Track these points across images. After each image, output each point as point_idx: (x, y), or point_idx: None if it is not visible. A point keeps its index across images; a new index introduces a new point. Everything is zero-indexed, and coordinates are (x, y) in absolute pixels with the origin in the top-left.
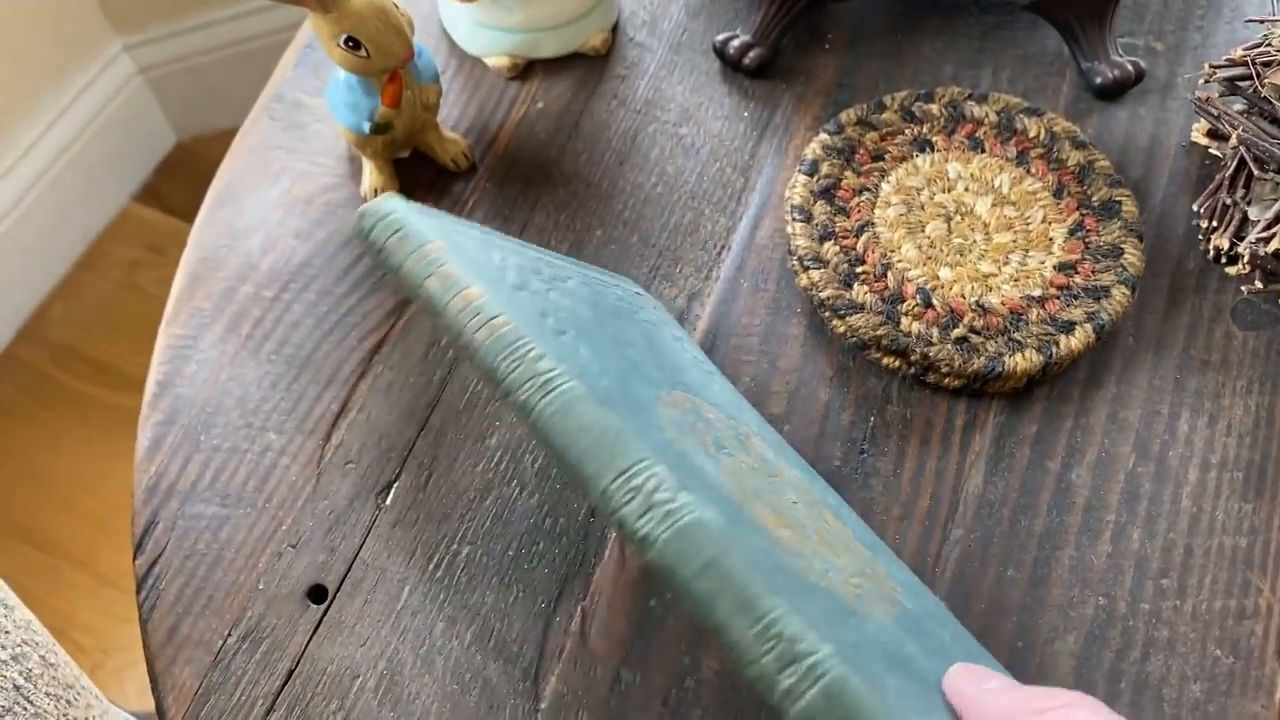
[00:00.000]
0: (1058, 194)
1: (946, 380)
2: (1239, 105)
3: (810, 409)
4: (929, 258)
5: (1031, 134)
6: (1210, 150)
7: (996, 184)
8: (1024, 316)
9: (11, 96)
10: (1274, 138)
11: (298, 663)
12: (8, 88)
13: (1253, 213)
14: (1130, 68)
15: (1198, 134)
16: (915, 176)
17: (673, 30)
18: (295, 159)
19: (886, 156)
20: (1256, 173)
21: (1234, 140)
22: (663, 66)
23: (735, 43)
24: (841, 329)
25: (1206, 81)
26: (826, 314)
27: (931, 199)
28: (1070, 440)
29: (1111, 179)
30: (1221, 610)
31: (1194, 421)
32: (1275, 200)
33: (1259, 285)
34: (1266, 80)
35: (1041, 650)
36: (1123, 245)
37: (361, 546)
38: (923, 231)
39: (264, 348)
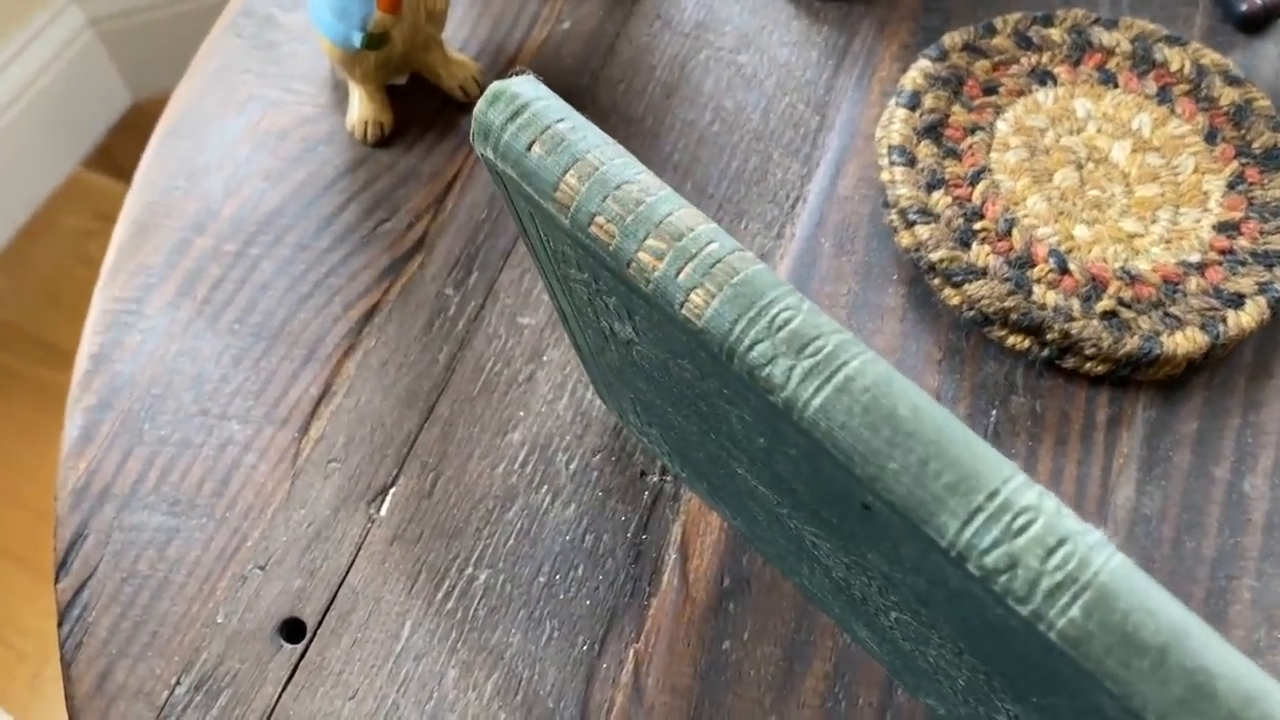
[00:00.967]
0: (1210, 139)
1: (1088, 365)
2: None
3: None
4: (1060, 213)
5: (1174, 67)
6: None
7: (1135, 126)
8: (1180, 287)
9: None
10: None
11: None
12: None
13: None
14: None
15: None
16: (1037, 115)
17: None
18: (266, 85)
19: (1000, 90)
20: None
21: None
22: None
23: None
24: (956, 300)
25: None
26: (937, 281)
27: (1057, 142)
28: (1240, 441)
29: (1275, 121)
30: None
31: None
32: None
33: None
34: None
35: None
36: None
37: (349, 569)
38: (1050, 181)
39: (225, 315)
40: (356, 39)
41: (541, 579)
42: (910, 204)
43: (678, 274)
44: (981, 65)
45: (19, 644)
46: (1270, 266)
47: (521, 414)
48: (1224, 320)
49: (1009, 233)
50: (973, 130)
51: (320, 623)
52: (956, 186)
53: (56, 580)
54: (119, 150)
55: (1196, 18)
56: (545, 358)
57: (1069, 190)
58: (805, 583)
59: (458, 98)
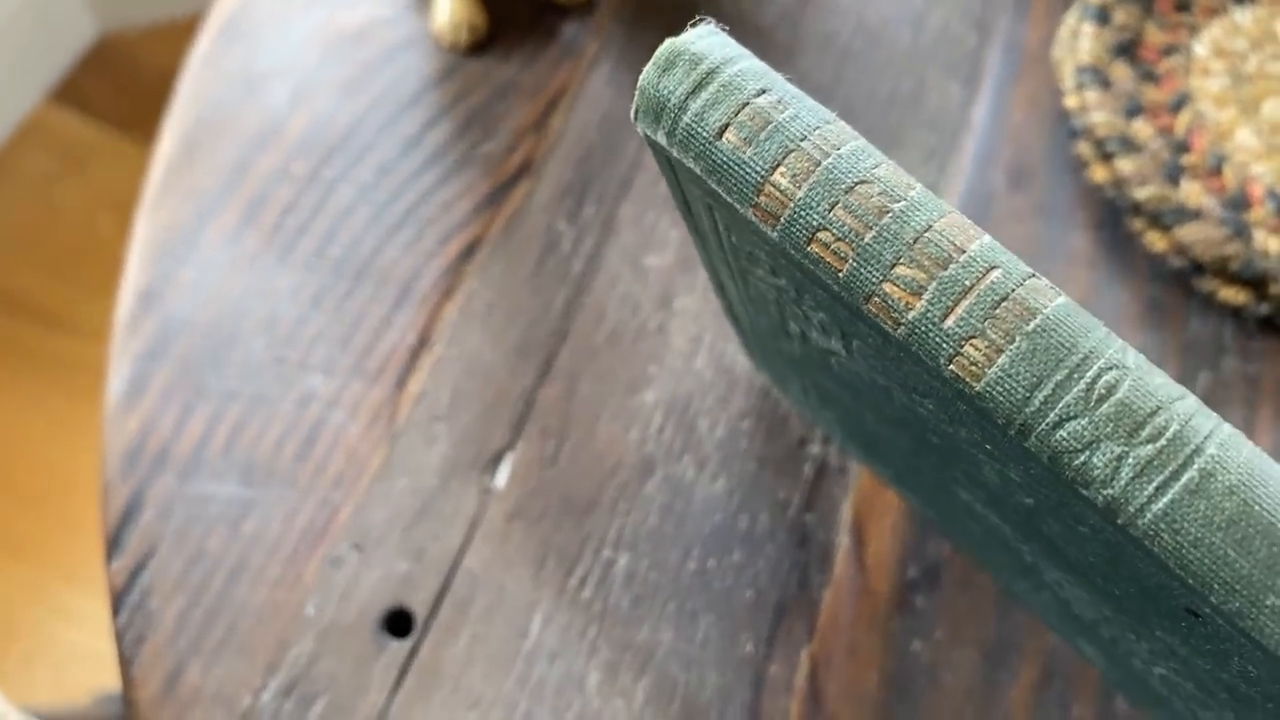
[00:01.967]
0: None
1: None
2: None
3: None
4: (1272, 148)
5: None
6: None
7: None
8: None
9: None
10: None
11: None
12: None
13: None
14: None
15: None
16: (1236, 37)
17: None
18: None
19: (1194, 7)
20: None
21: None
22: None
23: None
24: (1162, 245)
25: None
26: (1139, 223)
27: (1261, 69)
28: None
29: None
30: None
31: None
32: None
33: None
34: None
35: None
36: None
37: (464, 550)
38: (1258, 112)
39: (299, 247)
40: None
41: (691, 565)
42: (1109, 133)
43: (945, 317)
44: None
45: None
46: None
47: (654, 370)
48: None
49: (1219, 170)
50: (1169, 51)
51: (432, 615)
52: (1157, 114)
53: (108, 559)
54: (87, 85)
55: None
56: (676, 305)
57: (1279, 124)
58: (1016, 587)
59: (559, 1)
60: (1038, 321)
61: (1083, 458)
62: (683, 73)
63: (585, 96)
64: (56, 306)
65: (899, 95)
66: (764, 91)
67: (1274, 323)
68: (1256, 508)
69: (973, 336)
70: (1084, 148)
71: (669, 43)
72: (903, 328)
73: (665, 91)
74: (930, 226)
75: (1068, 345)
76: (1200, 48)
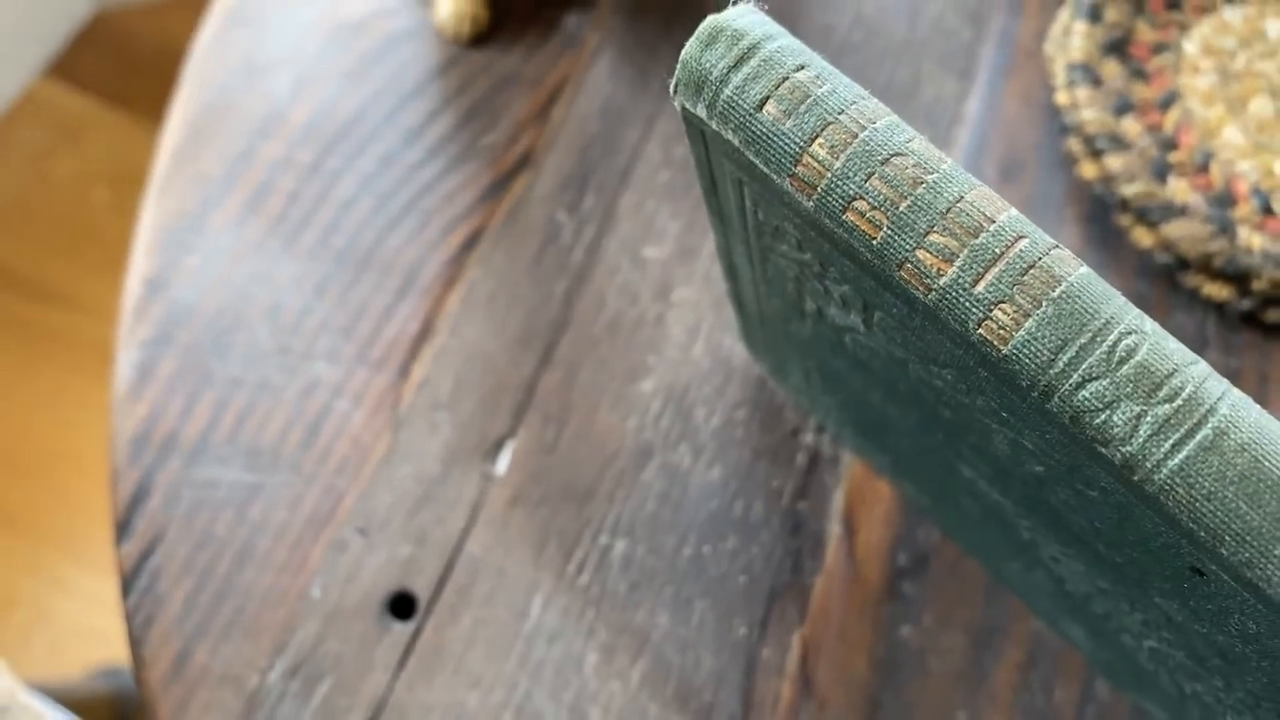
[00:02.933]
0: None
1: None
2: None
3: None
4: (1259, 146)
5: None
6: None
7: None
8: None
9: None
10: None
11: (377, 714)
12: None
13: None
14: None
15: None
16: (1226, 35)
17: None
18: None
19: (1185, 6)
20: None
21: None
22: None
23: None
24: (1149, 241)
25: None
26: (1126, 219)
27: (1249, 67)
28: None
29: None
30: None
31: None
32: None
33: None
34: None
35: None
36: None
37: (465, 534)
38: (1245, 110)
39: (303, 236)
40: None
41: (687, 551)
42: (1099, 129)
43: (975, 283)
44: None
45: None
46: None
47: (652, 360)
48: None
49: (1206, 167)
50: (1159, 49)
51: (434, 597)
52: (1146, 112)
53: (118, 543)
54: (81, 61)
55: None
56: (675, 296)
57: (1265, 122)
58: (1004, 570)
59: None
60: (1063, 288)
61: (1103, 416)
62: (725, 48)
63: (586, 88)
64: (51, 280)
65: (895, 87)
66: (803, 67)
67: (1256, 318)
68: (1266, 464)
69: (1001, 301)
70: (1074, 144)
71: (711, 19)
72: (934, 293)
73: (708, 65)
74: (962, 198)
75: (1090, 311)
76: (1190, 46)
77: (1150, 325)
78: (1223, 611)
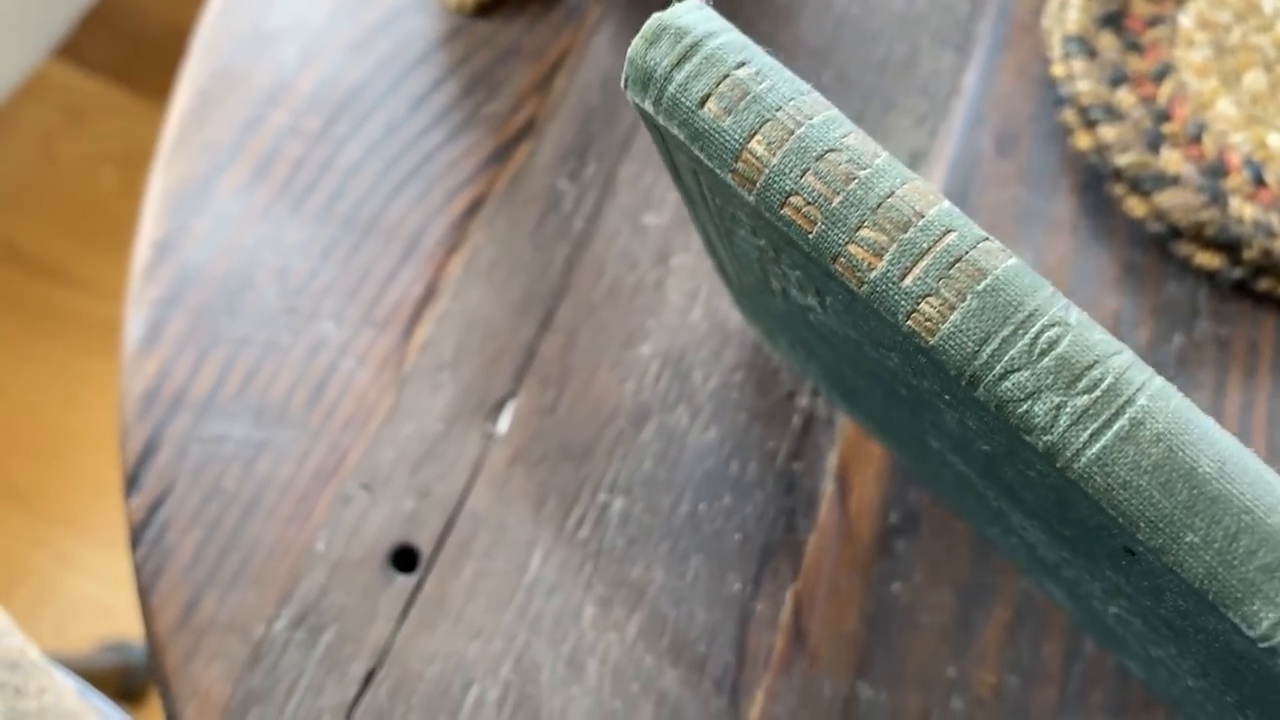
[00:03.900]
0: None
1: None
2: None
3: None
4: (1252, 118)
5: None
6: None
7: None
8: None
9: None
10: None
11: (380, 662)
12: None
13: None
14: None
15: None
16: (1221, 9)
17: None
18: None
19: None
20: None
21: None
22: None
23: None
24: (1142, 211)
25: None
26: (1119, 189)
27: (1244, 41)
28: None
29: None
30: None
31: None
32: None
33: None
34: None
35: None
36: None
37: (467, 491)
38: (1239, 83)
39: (309, 201)
40: None
41: (683, 508)
42: (1093, 101)
43: (903, 277)
44: None
45: None
46: None
47: (651, 324)
48: None
49: (1199, 138)
50: (1154, 22)
51: (436, 551)
52: (1140, 84)
53: (127, 495)
54: (89, 42)
55: None
56: (674, 262)
57: (1259, 94)
58: (988, 533)
59: None
60: (988, 281)
61: (1025, 406)
62: (669, 45)
63: (587, 60)
64: (57, 260)
65: (893, 60)
66: (744, 64)
67: (1247, 286)
68: (1180, 454)
69: (928, 295)
70: (1069, 115)
71: (656, 17)
72: (866, 286)
73: (652, 62)
74: (893, 192)
75: (1014, 303)
76: (1185, 19)
77: (1076, 316)
78: (1157, 588)
